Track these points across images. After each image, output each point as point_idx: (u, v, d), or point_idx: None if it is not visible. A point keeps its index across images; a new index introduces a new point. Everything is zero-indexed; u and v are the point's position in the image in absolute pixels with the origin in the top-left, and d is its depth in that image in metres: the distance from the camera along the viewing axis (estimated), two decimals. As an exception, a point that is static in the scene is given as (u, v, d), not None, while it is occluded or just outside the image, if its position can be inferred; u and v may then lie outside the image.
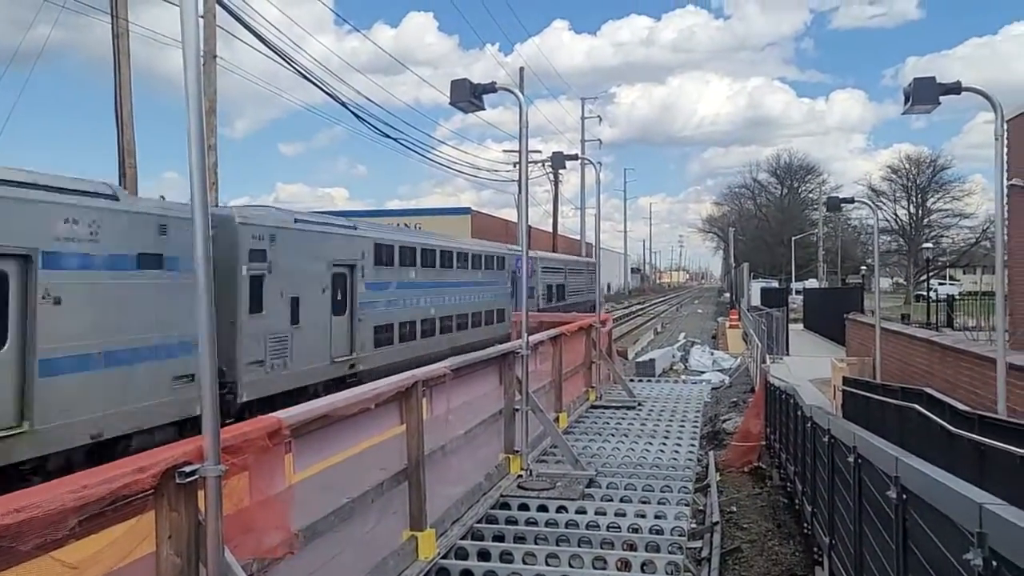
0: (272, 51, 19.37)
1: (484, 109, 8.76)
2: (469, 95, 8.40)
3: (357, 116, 23.66)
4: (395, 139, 27.02)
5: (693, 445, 10.39)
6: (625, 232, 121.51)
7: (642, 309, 70.16)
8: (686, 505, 7.61)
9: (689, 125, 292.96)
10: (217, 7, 18.11)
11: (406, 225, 42.09)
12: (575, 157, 17.62)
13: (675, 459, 9.44)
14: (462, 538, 6.35)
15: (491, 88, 8.56)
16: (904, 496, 3.80)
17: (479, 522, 6.80)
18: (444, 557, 5.92)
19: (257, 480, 3.81)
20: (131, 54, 16.06)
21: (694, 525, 9.06)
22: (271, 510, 3.91)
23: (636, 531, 6.62)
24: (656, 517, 6.98)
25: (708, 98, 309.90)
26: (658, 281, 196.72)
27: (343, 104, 22.74)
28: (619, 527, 6.73)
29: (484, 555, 6.13)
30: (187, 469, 3.15)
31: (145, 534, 3.10)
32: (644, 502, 7.57)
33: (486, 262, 26.11)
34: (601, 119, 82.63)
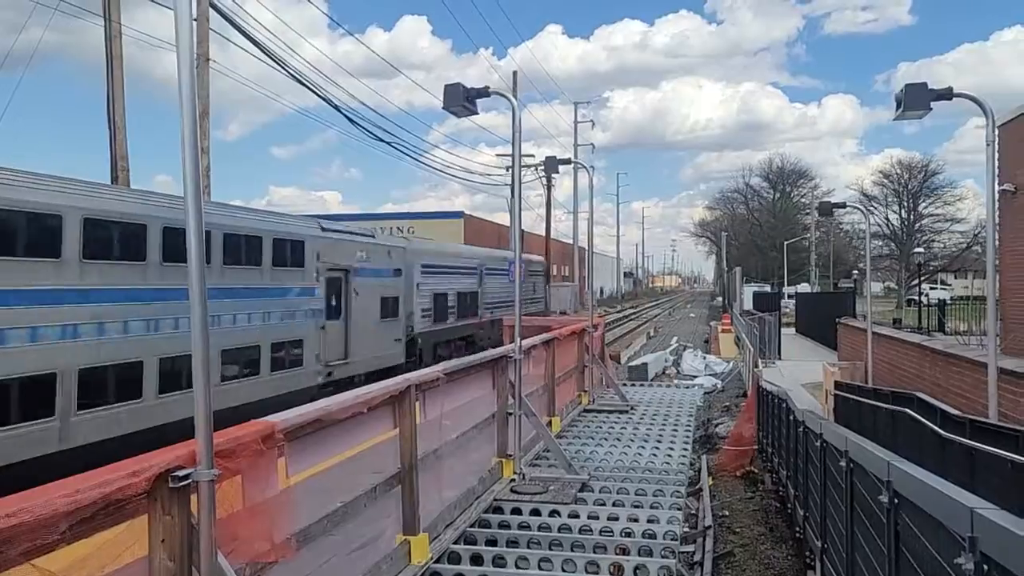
0: (265, 54, 19.37)
1: (477, 113, 8.75)
2: (462, 99, 8.39)
3: (350, 119, 23.69)
4: (388, 143, 27.05)
5: (686, 449, 10.40)
6: (618, 236, 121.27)
7: (635, 313, 70.31)
8: (679, 509, 7.61)
9: (682, 130, 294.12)
10: (211, 10, 18.10)
11: (399, 230, 42.04)
12: (568, 161, 17.59)
13: (668, 463, 9.45)
14: (455, 542, 6.34)
15: (484, 92, 8.55)
16: (896, 500, 3.81)
17: (472, 526, 6.79)
18: (437, 561, 5.91)
19: (250, 484, 3.80)
20: (124, 57, 16.03)
21: (687, 529, 9.08)
22: (264, 514, 3.90)
23: (629, 535, 6.62)
24: (649, 521, 6.98)
25: (701, 103, 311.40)
26: (651, 285, 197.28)
27: (336, 107, 22.77)
28: (612, 531, 6.73)
29: (477, 559, 6.12)
30: (180, 473, 3.14)
31: (138, 538, 3.09)
32: (637, 506, 7.57)
33: (249, 251, 13.73)
34: (594, 123, 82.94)
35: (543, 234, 53.31)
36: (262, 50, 19.30)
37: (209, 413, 3.24)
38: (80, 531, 2.71)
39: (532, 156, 43.57)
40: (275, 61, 19.73)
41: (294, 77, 20.40)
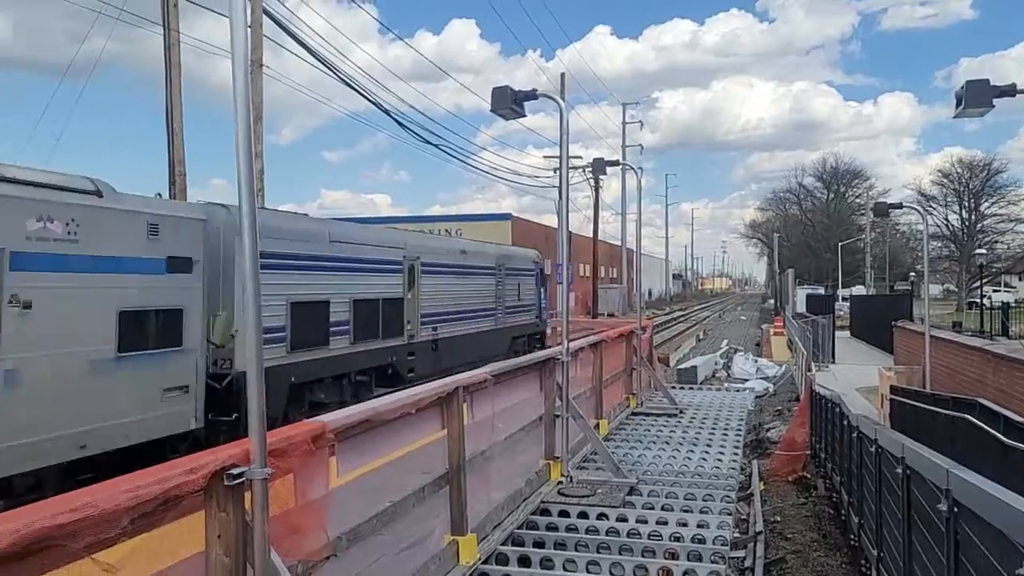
0: (317, 60, 19.70)
1: (525, 116, 8.78)
2: (510, 102, 8.43)
3: (400, 123, 23.91)
4: (437, 146, 27.19)
5: (736, 453, 10.26)
6: (667, 237, 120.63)
7: (684, 315, 69.63)
8: (729, 514, 7.52)
9: (733, 129, 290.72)
10: (264, 17, 18.48)
11: (447, 232, 42.29)
12: (616, 163, 17.58)
13: (718, 467, 9.34)
14: (503, 543, 6.36)
15: (532, 95, 8.57)
16: (955, 509, 3.71)
17: (520, 528, 6.80)
18: (485, 562, 5.93)
19: (302, 483, 3.88)
20: (182, 64, 16.47)
21: (737, 534, 8.95)
22: (315, 513, 3.97)
23: (678, 540, 6.56)
24: (698, 526, 6.91)
25: (752, 102, 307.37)
26: (700, 287, 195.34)
27: (386, 111, 23.03)
28: (661, 535, 6.68)
29: (525, 561, 6.13)
30: (235, 471, 3.22)
31: (195, 533, 3.17)
32: (686, 511, 7.50)
33: None
34: (643, 124, 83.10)
35: (591, 235, 53.14)
36: (314, 55, 19.66)
37: (263, 413, 3.31)
38: (140, 526, 2.80)
39: (580, 158, 43.32)
40: (326, 66, 20.06)
41: (345, 82, 20.71)
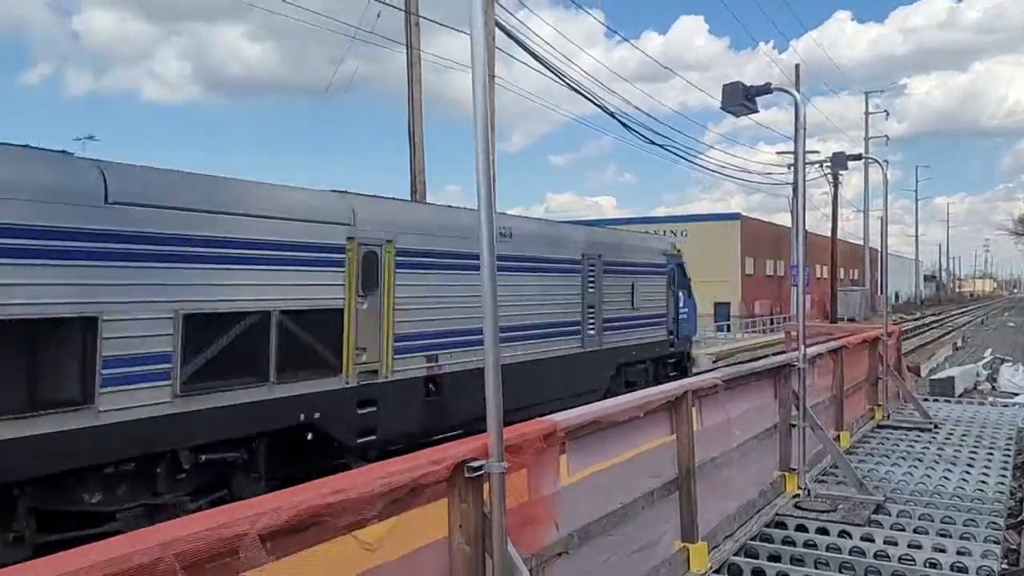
0: (546, 67, 20.27)
1: (757, 111, 8.42)
2: (741, 98, 8.12)
3: (625, 125, 23.96)
4: (662, 146, 26.94)
5: (1004, 475, 9.16)
6: (916, 236, 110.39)
7: (937, 321, 63.30)
8: (996, 543, 6.72)
9: (998, 114, 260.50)
10: (496, 30, 19.32)
11: (673, 233, 41.62)
12: (858, 157, 16.36)
13: (981, 490, 8.39)
14: (735, 554, 6.15)
15: (765, 89, 8.21)
16: None
17: (752, 539, 6.55)
18: (716, 572, 5.79)
19: (534, 479, 4.01)
20: (422, 80, 17.67)
21: (1006, 566, 7.99)
22: (547, 508, 4.09)
23: (934, 566, 5.98)
24: (958, 553, 6.25)
25: (1022, 82, 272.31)
26: (957, 290, 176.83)
27: (611, 114, 23.19)
28: (913, 560, 6.12)
29: (759, 573, 5.90)
30: (474, 464, 3.40)
31: (439, 520, 3.40)
32: (943, 535, 6.81)
33: None
34: (888, 114, 76.79)
35: (828, 234, 49.88)
36: (542, 63, 20.24)
37: (499, 411, 3.46)
38: (392, 509, 3.05)
39: (817, 152, 40.88)
40: (554, 73, 20.57)
41: (571, 87, 21.11)
